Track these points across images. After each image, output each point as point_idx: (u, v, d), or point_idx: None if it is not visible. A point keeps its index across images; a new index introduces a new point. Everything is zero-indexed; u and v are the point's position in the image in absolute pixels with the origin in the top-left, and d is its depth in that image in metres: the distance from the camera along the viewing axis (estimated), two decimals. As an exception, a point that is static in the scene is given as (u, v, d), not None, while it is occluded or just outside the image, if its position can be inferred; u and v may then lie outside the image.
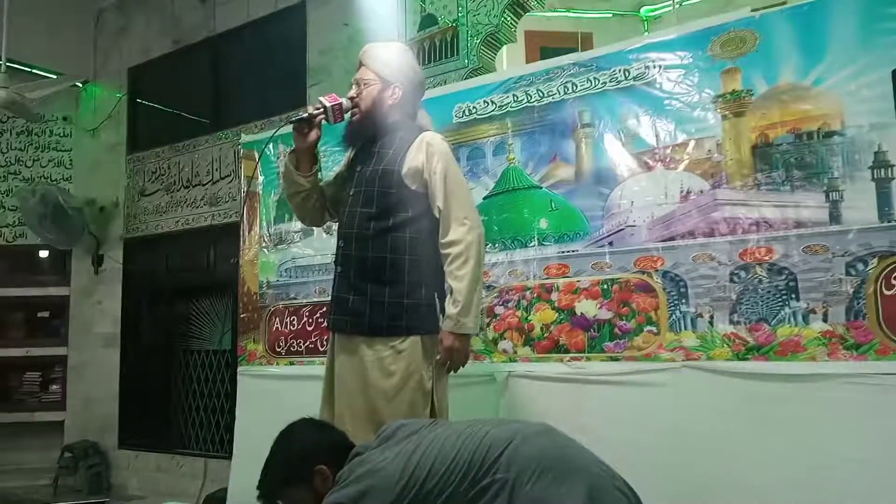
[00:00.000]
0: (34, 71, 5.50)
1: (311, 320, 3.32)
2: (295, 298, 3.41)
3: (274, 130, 3.83)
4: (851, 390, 2.07)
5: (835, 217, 2.18)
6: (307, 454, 1.68)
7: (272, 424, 3.21)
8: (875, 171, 2.13)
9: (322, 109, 2.11)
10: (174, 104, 5.55)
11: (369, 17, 4.36)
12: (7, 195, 5.75)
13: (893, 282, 2.07)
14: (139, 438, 5.29)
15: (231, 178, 5.01)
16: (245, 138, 3.83)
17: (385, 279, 2.04)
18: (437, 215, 2.06)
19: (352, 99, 2.15)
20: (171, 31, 5.54)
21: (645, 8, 5.26)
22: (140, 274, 5.58)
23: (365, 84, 2.13)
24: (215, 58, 5.36)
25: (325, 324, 2.28)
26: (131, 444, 5.32)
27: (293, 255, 3.45)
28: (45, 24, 5.44)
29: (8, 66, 4.56)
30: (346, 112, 2.15)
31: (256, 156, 3.65)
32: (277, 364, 3.42)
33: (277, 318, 3.45)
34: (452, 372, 2.11)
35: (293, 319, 3.39)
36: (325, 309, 3.28)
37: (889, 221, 2.09)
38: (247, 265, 3.63)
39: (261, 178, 3.64)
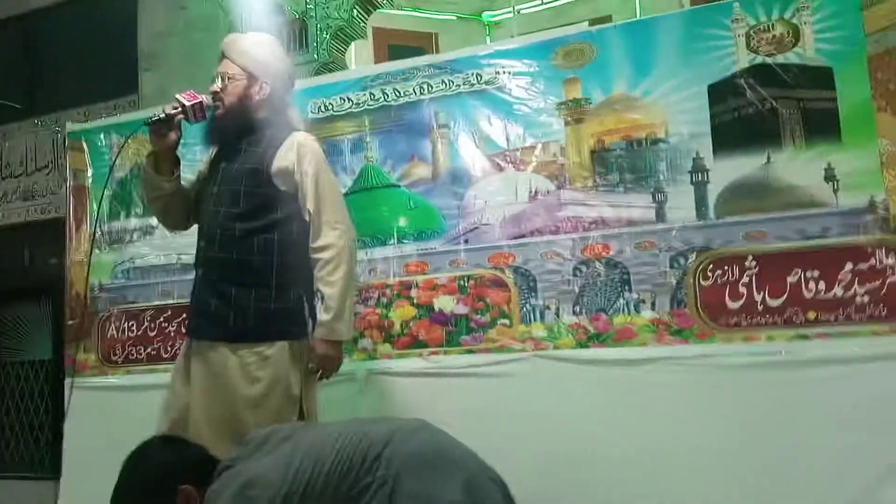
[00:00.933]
0: None
1: (153, 325, 3.11)
2: (134, 302, 3.17)
3: (106, 119, 3.57)
4: (677, 371, 2.33)
5: (661, 216, 2.43)
6: (166, 476, 1.55)
7: (108, 440, 3.02)
8: (693, 175, 2.41)
9: (180, 109, 1.99)
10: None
11: (206, 2, 4.17)
12: None
13: (709, 274, 2.35)
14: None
15: (49, 169, 4.57)
16: (71, 126, 3.48)
17: (251, 282, 1.97)
18: (308, 218, 2.00)
19: (214, 94, 2.04)
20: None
21: (486, 13, 5.48)
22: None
23: (230, 79, 2.03)
24: (29, 37, 4.83)
25: (185, 329, 2.14)
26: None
27: (131, 255, 3.20)
28: None
29: None
30: (208, 109, 2.03)
31: (85, 146, 3.35)
32: (113, 374, 3.17)
33: (113, 324, 3.19)
34: (325, 379, 2.08)
35: (132, 325, 3.15)
36: (169, 313, 3.10)
37: (705, 220, 2.37)
38: (74, 266, 3.32)
39: (90, 172, 3.34)
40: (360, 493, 1.41)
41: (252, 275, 1.97)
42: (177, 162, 2.12)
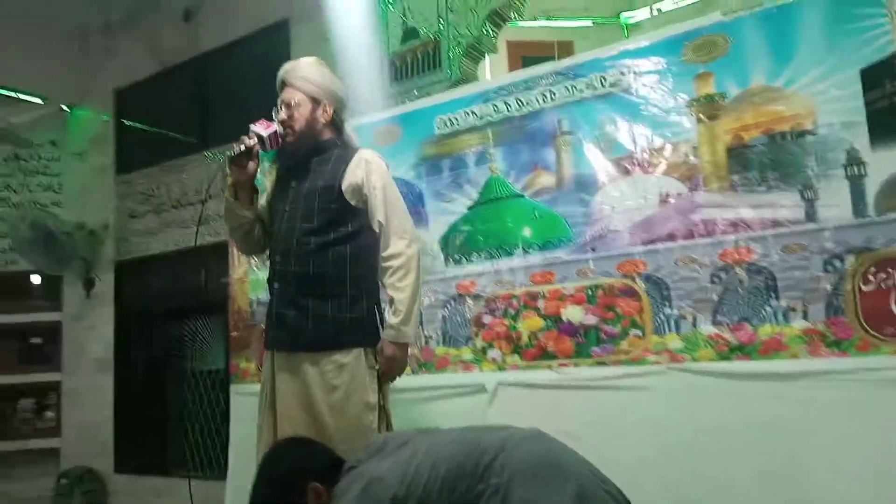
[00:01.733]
0: (20, 96, 5.52)
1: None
2: (285, 315, 3.41)
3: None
4: (834, 387, 2.09)
5: (810, 215, 2.21)
6: (298, 473, 1.65)
7: (266, 442, 3.27)
8: (848, 168, 2.16)
9: (257, 139, 2.09)
10: (160, 124, 5.56)
11: (352, 32, 4.41)
12: (-3, 221, 5.75)
13: (870, 278, 2.09)
14: (135, 462, 5.26)
15: (220, 196, 5.02)
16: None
17: (326, 293, 2.05)
18: (378, 229, 2.09)
19: (283, 122, 2.12)
20: (155, 52, 5.57)
21: (624, 14, 5.31)
22: (132, 296, 5.57)
23: (296, 105, 2.12)
24: (200, 77, 5.39)
25: (265, 344, 2.19)
26: (128, 469, 5.29)
27: (281, 272, 3.46)
28: (29, 49, 5.46)
29: (-7, 93, 4.58)
30: (281, 137, 2.12)
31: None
32: (270, 381, 3.42)
33: (268, 336, 3.45)
34: (390, 381, 2.13)
35: (284, 336, 3.39)
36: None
37: (863, 218, 2.12)
38: (236, 283, 3.65)
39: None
40: (475, 500, 1.42)
41: (327, 286, 2.05)
42: (255, 190, 2.23)
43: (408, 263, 2.04)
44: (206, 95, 5.38)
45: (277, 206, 2.19)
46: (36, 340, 5.81)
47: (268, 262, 3.43)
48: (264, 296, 3.49)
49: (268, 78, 4.88)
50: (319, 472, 1.66)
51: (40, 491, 5.35)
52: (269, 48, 4.97)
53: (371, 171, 2.10)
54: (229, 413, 3.61)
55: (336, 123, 2.20)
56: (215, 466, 4.84)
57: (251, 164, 2.13)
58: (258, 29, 5.00)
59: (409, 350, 2.18)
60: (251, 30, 5.04)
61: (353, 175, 2.09)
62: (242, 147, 2.08)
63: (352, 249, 2.10)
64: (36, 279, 5.90)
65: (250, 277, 3.58)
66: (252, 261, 3.57)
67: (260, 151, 2.14)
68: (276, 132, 2.09)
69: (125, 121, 5.75)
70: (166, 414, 5.27)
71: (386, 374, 2.09)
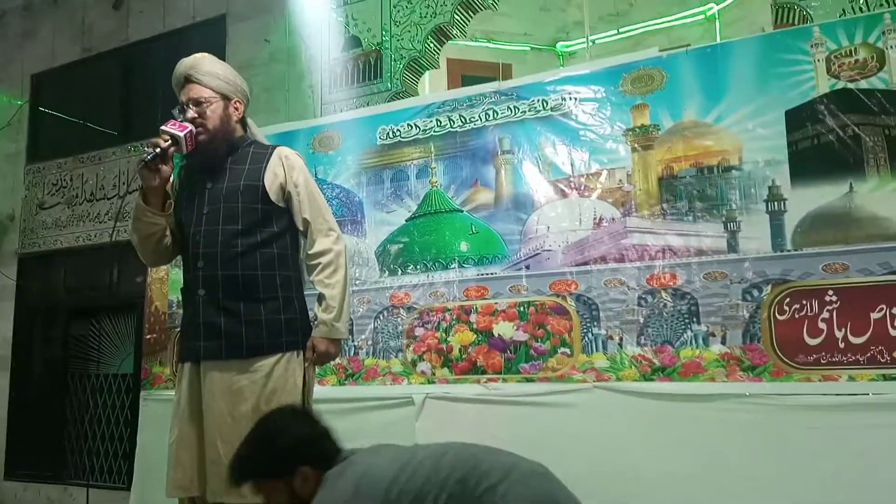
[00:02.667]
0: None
1: (223, 341, 3.21)
2: (206, 318, 3.29)
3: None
4: (749, 409, 2.20)
5: (732, 246, 2.33)
6: (291, 452, 1.57)
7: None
8: (769, 204, 2.31)
9: (172, 141, 1.92)
10: (80, 114, 5.28)
11: (292, 34, 4.35)
12: None
13: (785, 308, 2.23)
14: (28, 469, 4.91)
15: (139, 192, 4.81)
16: (157, 152, 3.69)
17: (259, 297, 1.96)
18: (303, 227, 2.03)
19: (194, 121, 1.97)
20: (80, 38, 5.30)
21: (561, 43, 5.49)
22: (35, 292, 5.23)
23: (207, 102, 1.98)
24: (127, 67, 5.17)
25: (184, 356, 2.03)
26: (19, 475, 4.93)
27: (206, 274, 3.34)
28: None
29: None
30: (195, 137, 1.96)
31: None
32: (185, 387, 3.28)
33: (187, 339, 3.32)
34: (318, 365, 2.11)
35: (204, 340, 3.27)
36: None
37: (781, 251, 2.26)
38: (155, 283, 3.49)
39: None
40: None
41: (259, 289, 1.96)
42: (168, 196, 2.05)
43: (336, 259, 1.99)
44: (131, 86, 5.15)
45: (189, 209, 2.03)
46: (-78, 334, 5.36)
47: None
48: (185, 298, 3.37)
49: (201, 74, 4.78)
50: (314, 457, 1.58)
51: (-84, 499, 4.91)
52: (202, 43, 4.78)
53: (292, 168, 2.02)
54: (136, 419, 3.43)
55: (244, 120, 2.10)
56: (116, 475, 4.59)
57: (165, 168, 1.94)
58: (193, 23, 4.85)
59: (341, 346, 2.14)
60: (185, 23, 4.89)
61: (273, 173, 2.00)
62: (157, 150, 1.89)
63: (279, 249, 2.02)
64: (-73, 269, 5.45)
65: (171, 277, 3.43)
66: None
67: (174, 153, 1.97)
68: (191, 132, 1.94)
69: (41, 107, 5.44)
70: (65, 418, 4.95)
71: (316, 365, 2.06)
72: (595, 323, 2.48)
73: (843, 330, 2.14)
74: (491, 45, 5.40)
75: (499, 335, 2.61)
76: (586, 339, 2.48)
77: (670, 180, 2.48)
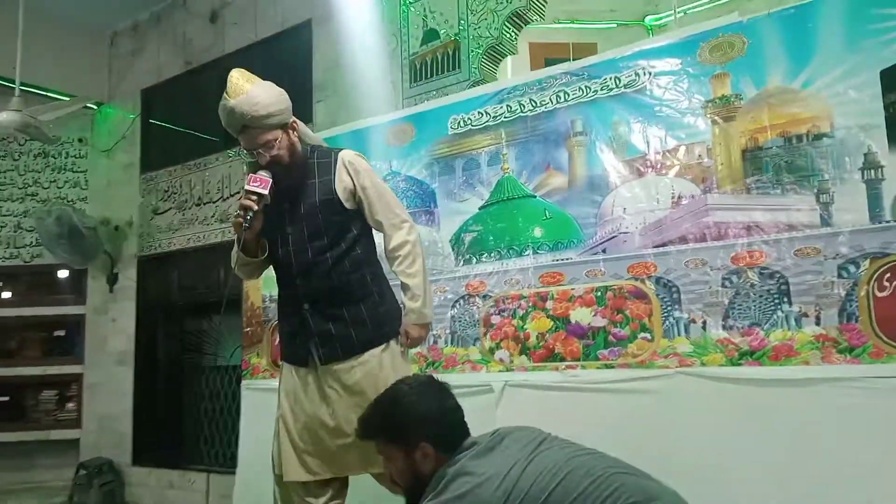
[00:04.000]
0: (49, 94, 5.64)
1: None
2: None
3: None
4: (846, 394, 2.04)
5: (825, 219, 2.16)
6: (419, 425, 1.60)
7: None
8: (865, 172, 2.12)
9: (259, 197, 2.01)
10: (185, 124, 5.65)
11: (372, 32, 4.43)
12: (24, 216, 5.87)
13: (886, 283, 2.04)
14: (153, 455, 5.33)
15: (241, 195, 5.07)
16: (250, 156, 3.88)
17: (357, 298, 2.13)
18: (376, 227, 2.17)
19: (269, 163, 2.05)
20: (182, 52, 5.66)
21: (649, 17, 5.26)
22: (153, 291, 5.66)
23: (276, 141, 2.04)
24: (225, 77, 5.43)
25: (304, 363, 2.17)
26: (145, 461, 5.36)
27: (295, 269, 3.47)
28: (59, 48, 5.59)
29: (23, 90, 4.67)
30: (275, 182, 2.04)
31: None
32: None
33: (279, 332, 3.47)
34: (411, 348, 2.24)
35: (295, 332, 3.41)
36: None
37: (880, 223, 2.07)
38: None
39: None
40: None
41: (355, 291, 2.13)
42: (259, 238, 2.15)
43: (413, 249, 2.12)
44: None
45: (275, 230, 2.14)
46: (60, 333, 5.92)
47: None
48: (275, 292, 3.52)
49: (291, 78, 4.98)
50: (439, 438, 1.59)
51: (60, 481, 5.45)
52: (291, 48, 5.02)
53: (357, 172, 2.13)
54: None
55: (303, 131, 2.21)
56: (229, 461, 4.89)
57: (257, 223, 2.07)
58: (282, 30, 5.06)
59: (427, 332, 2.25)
60: (275, 31, 5.10)
61: (342, 181, 2.12)
62: (250, 214, 2.01)
63: (362, 249, 2.17)
64: (62, 273, 6.01)
65: (264, 275, 3.59)
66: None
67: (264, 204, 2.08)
68: (273, 183, 2.03)
69: (151, 119, 5.86)
70: (183, 408, 5.33)
71: (408, 346, 2.20)
72: (676, 306, 2.38)
73: (952, 306, 1.93)
74: (574, 26, 5.26)
75: (576, 321, 2.55)
76: (667, 323, 2.39)
77: (755, 152, 2.33)
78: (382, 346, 2.13)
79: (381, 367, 2.11)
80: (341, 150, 2.21)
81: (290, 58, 5.03)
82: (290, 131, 2.09)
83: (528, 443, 1.56)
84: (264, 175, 2.03)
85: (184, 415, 5.32)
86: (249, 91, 2.02)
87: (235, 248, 2.15)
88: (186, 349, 5.46)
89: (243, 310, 3.71)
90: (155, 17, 5.90)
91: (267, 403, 3.43)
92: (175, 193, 5.57)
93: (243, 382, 3.60)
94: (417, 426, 1.60)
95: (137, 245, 5.72)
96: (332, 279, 2.09)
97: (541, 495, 1.41)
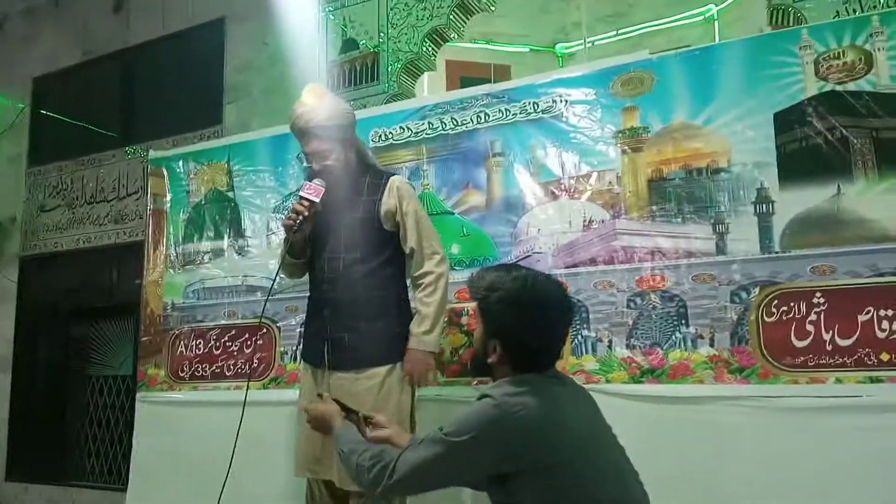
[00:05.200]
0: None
1: (218, 344, 3.23)
2: (202, 321, 3.31)
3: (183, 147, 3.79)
4: (737, 412, 2.20)
5: (721, 248, 2.33)
6: (507, 325, 1.50)
7: (172, 453, 3.14)
8: (757, 206, 2.30)
9: (310, 203, 2.20)
10: (80, 117, 5.31)
11: (290, 36, 4.36)
12: None
13: (773, 310, 2.23)
14: (29, 469, 4.95)
15: (139, 195, 4.84)
16: (153, 154, 3.72)
17: (377, 314, 2.21)
18: (409, 252, 2.26)
19: (321, 172, 2.23)
20: (80, 41, 5.34)
21: (560, 45, 5.49)
22: (36, 293, 5.27)
23: (329, 152, 2.22)
24: (127, 70, 5.20)
25: (316, 364, 2.30)
26: (20, 476, 4.97)
27: (202, 277, 3.35)
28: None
29: None
30: (325, 190, 2.22)
31: (165, 173, 3.55)
32: (180, 389, 3.30)
33: (182, 342, 3.33)
34: (419, 386, 2.27)
35: (199, 343, 3.29)
36: (233, 332, 3.20)
37: (769, 253, 2.26)
38: (150, 286, 3.50)
39: (168, 196, 3.54)
40: None
41: (376, 307, 2.21)
42: (307, 241, 2.32)
43: (436, 281, 2.21)
44: (131, 90, 5.19)
45: (319, 236, 2.29)
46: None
47: (187, 266, 3.41)
48: (180, 300, 3.39)
49: (200, 77, 4.81)
50: (516, 349, 1.50)
51: (-82, 499, 4.96)
52: (202, 45, 4.85)
53: (402, 198, 2.24)
54: (133, 421, 3.45)
55: (357, 148, 2.34)
56: (116, 476, 4.62)
57: (306, 227, 2.24)
58: (192, 26, 4.88)
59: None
60: (184, 25, 4.91)
61: (387, 203, 2.23)
62: (301, 218, 2.19)
63: (392, 270, 2.28)
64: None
65: (166, 281, 3.45)
66: (170, 263, 3.45)
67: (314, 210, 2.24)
68: (324, 191, 2.20)
69: (42, 110, 5.48)
70: (66, 419, 4.98)
71: (411, 378, 2.22)
72: (585, 325, 2.48)
73: (831, 332, 2.13)
74: (489, 47, 5.40)
75: (489, 337, 2.61)
76: (576, 341, 2.49)
77: (660, 182, 2.48)
78: (388, 367, 2.18)
79: (382, 386, 2.16)
80: (393, 174, 2.33)
81: (199, 55, 4.86)
82: (347, 146, 2.25)
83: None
84: (318, 184, 2.20)
85: (66, 426, 4.97)
86: (315, 102, 2.23)
87: (283, 247, 2.33)
88: (71, 356, 5.12)
89: (141, 317, 3.52)
90: (52, 2, 5.53)
91: (164, 417, 3.30)
92: (65, 190, 5.23)
93: (138, 394, 3.41)
94: (505, 322, 1.50)
95: (20, 244, 5.32)
96: (356, 291, 2.17)
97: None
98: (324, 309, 2.27)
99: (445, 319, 2.41)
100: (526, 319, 1.51)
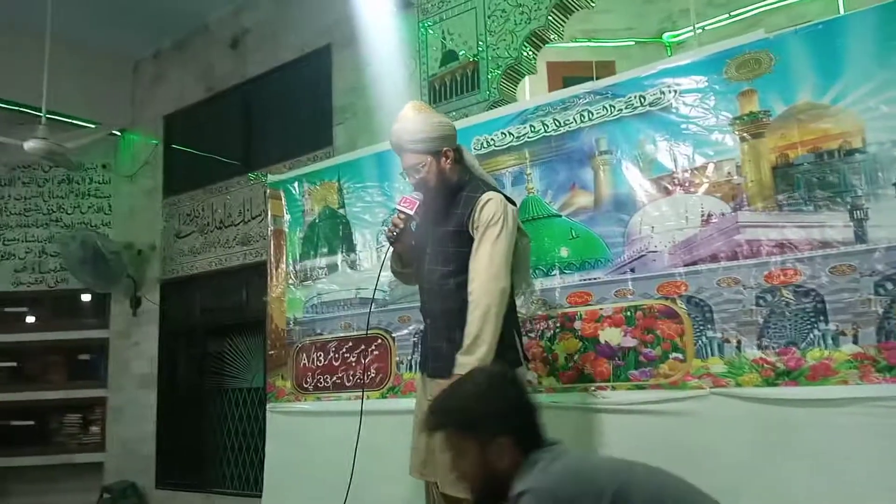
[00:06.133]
0: (74, 121, 5.75)
1: (336, 355, 3.34)
2: (321, 334, 3.43)
3: (297, 170, 3.95)
4: (887, 414, 1.99)
5: (860, 236, 2.12)
6: (500, 415, 1.47)
7: (300, 460, 3.27)
8: (900, 187, 2.08)
9: (406, 216, 2.26)
10: (207, 148, 5.72)
11: (391, 55, 4.47)
12: (49, 242, 5.95)
13: (926, 300, 2.00)
14: (176, 478, 5.34)
15: (261, 217, 5.11)
16: (272, 178, 3.92)
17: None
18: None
19: (417, 184, 2.27)
20: (204, 78, 5.75)
21: (667, 34, 5.26)
22: (176, 314, 5.70)
23: (422, 165, 2.22)
24: (246, 102, 5.53)
25: (423, 371, 2.34)
26: (168, 484, 5.37)
27: (318, 291, 3.48)
28: (83, 76, 5.69)
29: (48, 118, 4.76)
30: (421, 202, 2.26)
31: (282, 195, 3.73)
32: (305, 400, 3.43)
33: (304, 354, 3.47)
34: None
35: (320, 355, 3.41)
36: (350, 344, 3.30)
37: (917, 238, 2.03)
38: (274, 302, 3.68)
39: (286, 217, 3.71)
40: None
41: (467, 318, 2.12)
42: (413, 250, 2.36)
43: (477, 300, 2.06)
44: (250, 119, 5.51)
45: (420, 247, 2.34)
46: (84, 357, 5.97)
47: (305, 282, 3.54)
48: (301, 314, 3.53)
49: (311, 102, 5.03)
50: (521, 432, 1.48)
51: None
52: (312, 72, 5.08)
53: (483, 212, 2.15)
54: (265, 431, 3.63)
55: (457, 161, 2.30)
56: (252, 484, 4.88)
57: (405, 237, 2.31)
58: (302, 55, 5.12)
59: None
60: (295, 55, 5.16)
61: (476, 219, 2.18)
62: (397, 230, 2.27)
63: None
64: (85, 297, 6.07)
65: (287, 297, 3.61)
66: (290, 280, 3.61)
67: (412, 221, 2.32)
68: (419, 203, 2.26)
69: (173, 145, 5.94)
70: (205, 431, 5.33)
71: None
72: (709, 325, 2.34)
73: None
74: (592, 44, 5.28)
75: (605, 342, 2.52)
76: (700, 342, 2.35)
77: (786, 169, 2.30)
78: None
79: None
80: (491, 190, 2.24)
81: (309, 82, 5.09)
82: (443, 159, 2.24)
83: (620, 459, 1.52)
84: (415, 196, 2.26)
85: (206, 438, 5.32)
86: (409, 117, 2.25)
87: (389, 258, 2.43)
88: (209, 372, 5.48)
89: (267, 332, 3.71)
90: (177, 45, 6.00)
91: (293, 426, 3.44)
92: (197, 217, 5.63)
93: (268, 405, 3.59)
94: (500, 417, 1.47)
95: (160, 269, 5.77)
96: (448, 303, 2.17)
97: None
98: (426, 319, 2.33)
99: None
100: (508, 394, 1.52)
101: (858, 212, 2.15)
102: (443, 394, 1.60)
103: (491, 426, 1.47)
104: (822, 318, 2.15)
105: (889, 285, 2.05)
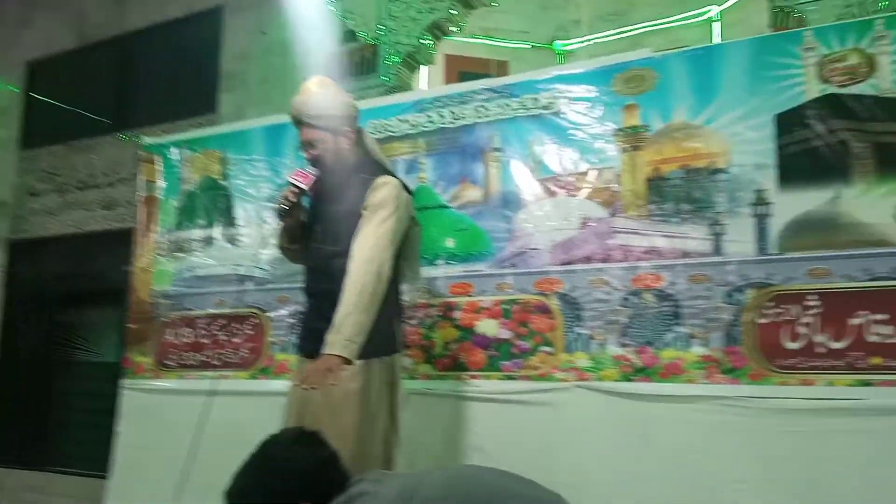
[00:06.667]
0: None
1: (207, 332, 3.20)
2: (191, 309, 3.27)
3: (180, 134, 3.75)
4: (727, 412, 2.20)
5: (717, 248, 2.33)
6: (294, 488, 1.50)
7: (157, 441, 3.10)
8: (755, 207, 2.30)
9: (299, 190, 2.19)
10: (74, 102, 5.26)
11: (289, 27, 4.33)
12: None
13: (767, 311, 2.22)
14: (11, 455, 4.89)
15: (130, 181, 4.78)
16: (147, 140, 3.68)
17: None
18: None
19: (312, 160, 2.21)
20: (77, 26, 5.29)
21: (559, 42, 5.48)
22: (24, 278, 5.22)
23: (320, 142, 2.19)
24: (123, 57, 5.16)
25: (300, 350, 2.30)
26: (2, 461, 4.91)
27: (192, 265, 3.32)
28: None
29: None
30: (316, 177, 2.21)
31: (158, 159, 3.51)
32: (166, 378, 3.26)
33: (170, 329, 3.30)
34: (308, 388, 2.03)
35: (187, 331, 3.25)
36: (223, 321, 3.17)
37: (765, 255, 2.25)
38: (140, 273, 3.46)
39: (161, 183, 3.50)
40: None
41: None
42: (302, 226, 2.30)
43: (353, 280, 2.02)
44: (126, 76, 5.14)
45: (311, 225, 2.28)
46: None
47: (177, 254, 3.37)
48: (170, 287, 3.35)
49: (194, 64, 4.77)
50: (317, 491, 1.51)
51: None
52: (199, 34, 4.81)
53: (375, 193, 2.12)
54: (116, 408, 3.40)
55: (356, 142, 2.27)
56: (100, 463, 4.57)
57: (296, 212, 2.25)
58: (190, 13, 4.84)
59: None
60: (182, 13, 4.87)
61: (367, 201, 2.14)
62: (289, 204, 2.20)
63: None
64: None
65: (155, 268, 3.41)
66: (160, 251, 3.41)
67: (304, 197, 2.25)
68: (314, 178, 2.20)
69: (35, 94, 5.42)
70: (50, 405, 4.93)
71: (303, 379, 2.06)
72: (578, 322, 2.47)
73: (824, 335, 2.13)
74: (489, 42, 5.39)
75: (482, 332, 2.60)
76: (569, 338, 2.47)
77: (658, 182, 2.47)
78: (362, 363, 2.03)
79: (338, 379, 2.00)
80: (386, 175, 2.19)
81: (196, 43, 4.82)
82: (342, 138, 2.20)
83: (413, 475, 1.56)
84: (310, 171, 2.20)
85: (49, 413, 4.92)
86: (313, 91, 2.21)
87: (279, 233, 2.36)
88: (58, 342, 5.07)
89: (129, 304, 3.48)
90: (48, -15, 5.48)
91: (150, 405, 3.26)
92: (56, 175, 5.18)
93: (124, 381, 3.37)
94: (294, 489, 1.51)
95: (9, 227, 5.26)
96: (333, 283, 2.07)
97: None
98: (309, 298, 2.28)
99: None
100: (303, 460, 1.55)
101: (717, 227, 2.35)
102: (241, 471, 1.58)
103: (293, 496, 1.50)
104: (677, 321, 2.34)
105: (738, 295, 2.27)
